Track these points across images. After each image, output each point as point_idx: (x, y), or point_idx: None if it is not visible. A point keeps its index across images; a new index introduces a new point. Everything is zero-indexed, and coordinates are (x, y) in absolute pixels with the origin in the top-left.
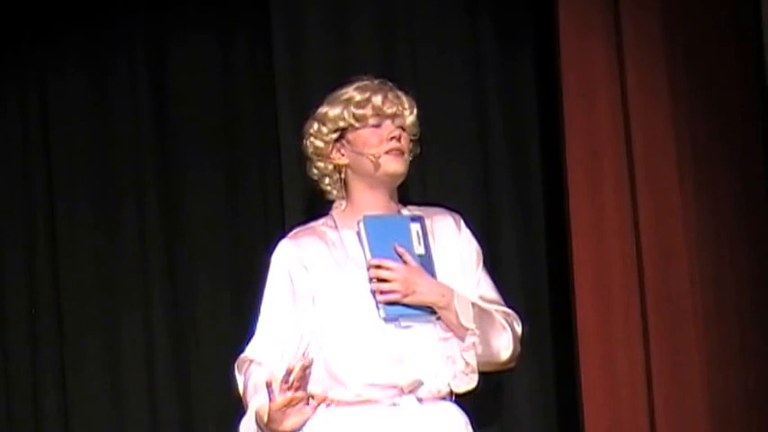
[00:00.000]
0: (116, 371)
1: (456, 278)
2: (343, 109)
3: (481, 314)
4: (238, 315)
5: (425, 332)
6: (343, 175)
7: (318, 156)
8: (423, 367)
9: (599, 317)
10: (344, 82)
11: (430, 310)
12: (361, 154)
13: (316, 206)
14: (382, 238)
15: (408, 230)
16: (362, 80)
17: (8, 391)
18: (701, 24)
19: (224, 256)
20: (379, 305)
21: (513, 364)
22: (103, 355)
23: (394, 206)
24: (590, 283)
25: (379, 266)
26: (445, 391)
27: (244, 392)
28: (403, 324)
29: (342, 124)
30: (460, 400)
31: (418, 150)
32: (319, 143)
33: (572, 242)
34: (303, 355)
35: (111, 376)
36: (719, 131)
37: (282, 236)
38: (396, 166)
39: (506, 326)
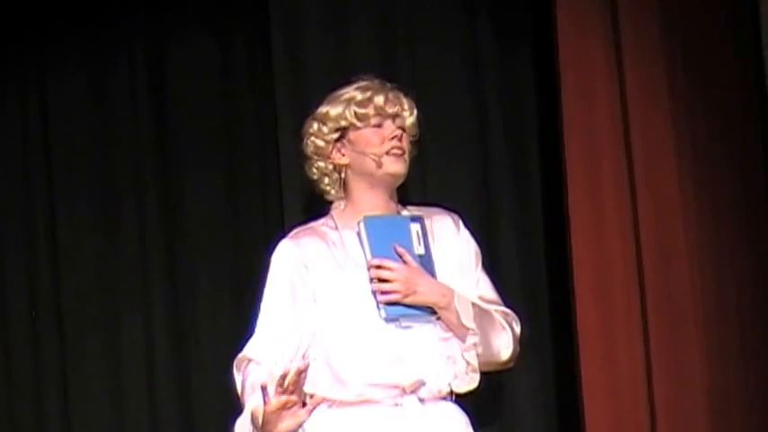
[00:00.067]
0: (116, 371)
1: (455, 278)
2: (345, 108)
3: (481, 314)
4: (238, 315)
5: (426, 332)
6: (342, 175)
7: (318, 155)
8: (424, 367)
9: (599, 316)
10: (344, 82)
11: (430, 311)
12: (362, 153)
13: (315, 206)
14: (382, 239)
15: (408, 230)
16: (363, 80)
17: (9, 392)
18: (700, 24)
19: (224, 256)
20: (380, 305)
21: (512, 364)
22: (104, 356)
23: (393, 206)
24: (590, 282)
25: (379, 266)
26: (446, 391)
27: (241, 391)
28: (403, 324)
29: (343, 123)
30: (461, 400)
31: (415, 152)
32: (320, 142)
33: (572, 242)
34: (303, 356)
35: (112, 376)
36: (719, 131)
37: (282, 236)
38: (397, 167)
39: (506, 326)
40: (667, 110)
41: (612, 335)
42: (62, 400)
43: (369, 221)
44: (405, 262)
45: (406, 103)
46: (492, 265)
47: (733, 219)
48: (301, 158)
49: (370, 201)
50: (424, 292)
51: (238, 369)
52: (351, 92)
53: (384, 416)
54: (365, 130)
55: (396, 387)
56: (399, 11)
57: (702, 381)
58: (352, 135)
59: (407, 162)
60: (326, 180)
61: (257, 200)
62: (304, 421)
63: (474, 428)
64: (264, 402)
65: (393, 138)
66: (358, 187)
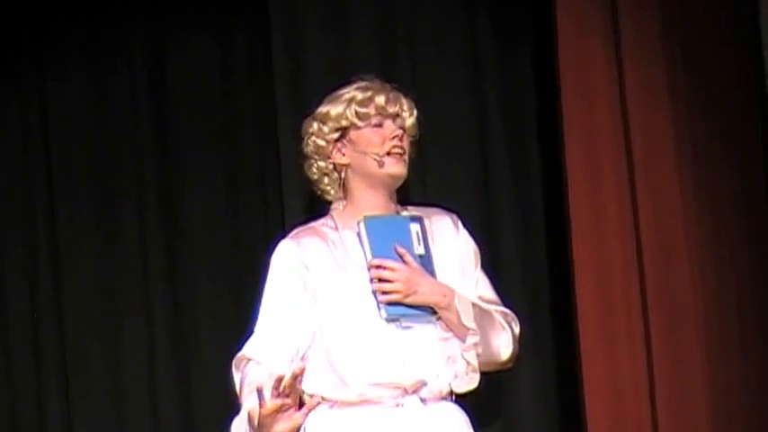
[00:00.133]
0: (117, 372)
1: (455, 278)
2: (346, 108)
3: (481, 314)
4: (239, 315)
5: (426, 332)
6: (342, 175)
7: (319, 155)
8: (425, 367)
9: (600, 316)
10: (344, 83)
11: (431, 311)
12: (364, 153)
13: (316, 206)
14: (382, 239)
15: (408, 230)
16: (363, 80)
17: (10, 394)
18: (700, 24)
19: (224, 256)
20: (381, 305)
21: (511, 364)
22: (104, 356)
23: (393, 207)
24: (591, 282)
25: (380, 266)
26: (446, 391)
27: (240, 391)
28: (404, 324)
29: (344, 123)
30: (462, 400)
31: (415, 153)
32: (321, 142)
33: (572, 242)
34: (303, 357)
35: (113, 377)
36: (719, 131)
37: (283, 236)
38: (398, 168)
39: (506, 326)
40: (667, 110)
41: (613, 334)
42: (63, 402)
43: (369, 221)
44: (405, 262)
45: (405, 103)
46: (493, 266)
47: (733, 218)
48: (301, 158)
49: (370, 201)
50: (425, 292)
51: (237, 368)
52: (351, 91)
53: (386, 416)
54: (366, 130)
55: (397, 387)
56: (399, 11)
57: (703, 380)
58: (352, 135)
59: (407, 163)
60: (326, 180)
61: (257, 200)
62: (300, 424)
63: (476, 428)
64: (260, 405)
65: (394, 137)
66: (358, 187)
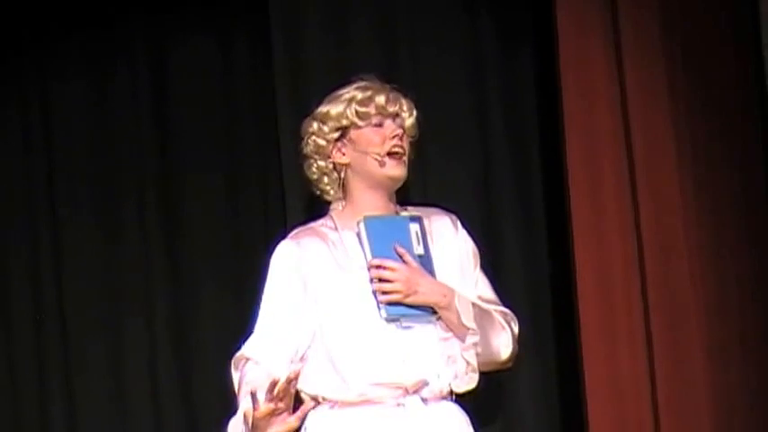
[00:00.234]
0: (119, 372)
1: (454, 278)
2: (346, 107)
3: (481, 314)
4: (240, 315)
5: (426, 332)
6: (342, 175)
7: (319, 155)
8: (425, 367)
9: (601, 316)
10: (344, 83)
11: (431, 311)
12: (364, 153)
13: (317, 207)
14: (382, 239)
15: (408, 230)
16: (362, 80)
17: (13, 395)
18: (700, 24)
19: (225, 256)
20: (381, 305)
21: (510, 364)
22: (106, 357)
23: (392, 207)
24: (592, 282)
25: (380, 266)
26: (447, 391)
27: (238, 390)
28: (404, 324)
29: (344, 123)
30: (463, 399)
31: (414, 154)
32: (321, 141)
33: (573, 242)
34: (302, 358)
35: (115, 377)
36: (719, 131)
37: (283, 236)
38: (398, 170)
39: (505, 325)
40: (667, 110)
41: (614, 334)
42: (65, 402)
43: (368, 222)
44: (405, 262)
45: (405, 103)
46: (493, 266)
47: (733, 218)
48: (300, 158)
49: (370, 201)
50: (425, 291)
51: (236, 368)
52: (351, 91)
53: (387, 416)
54: (366, 130)
55: (399, 387)
56: (400, 11)
57: (704, 379)
58: (353, 134)
59: (407, 164)
60: (326, 180)
61: (258, 200)
62: (293, 428)
63: (477, 428)
64: (254, 408)
65: (394, 137)
66: (358, 187)
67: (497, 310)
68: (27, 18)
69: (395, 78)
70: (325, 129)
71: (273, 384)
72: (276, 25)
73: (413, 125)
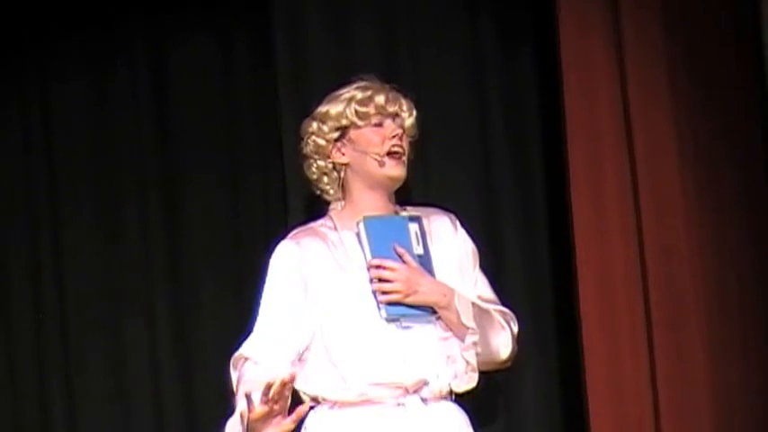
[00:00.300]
0: (120, 372)
1: (454, 278)
2: (346, 107)
3: (480, 313)
4: (241, 315)
5: (426, 332)
6: (342, 175)
7: (319, 154)
8: (425, 367)
9: (603, 316)
10: (345, 82)
11: (431, 310)
12: (364, 153)
13: (318, 207)
14: (382, 239)
15: (407, 230)
16: (362, 80)
17: (14, 395)
18: (701, 24)
19: (226, 256)
20: (381, 305)
21: (510, 364)
22: (107, 357)
23: (391, 207)
24: (593, 282)
25: (379, 266)
26: (447, 390)
27: (236, 390)
28: (404, 324)
29: (344, 122)
30: (463, 399)
31: (413, 155)
32: (321, 141)
33: (575, 242)
34: (300, 358)
35: (115, 377)
36: (721, 131)
37: (284, 236)
38: (397, 171)
39: (505, 325)
40: (669, 110)
41: (616, 334)
42: (66, 402)
43: (368, 222)
44: (404, 262)
45: (405, 103)
46: (495, 266)
47: (735, 218)
48: (300, 158)
49: (370, 201)
50: (425, 291)
51: (234, 367)
52: (351, 91)
53: (387, 416)
54: (366, 129)
55: (399, 387)
56: (400, 11)
57: (706, 380)
58: (352, 134)
59: (406, 164)
60: (326, 179)
61: (258, 200)
62: (289, 430)
63: (478, 428)
64: (249, 410)
65: (394, 136)
66: (357, 187)
67: (497, 310)
68: (27, 18)
69: (396, 78)
70: (325, 128)
71: (268, 387)
72: (278, 26)
73: (413, 125)
